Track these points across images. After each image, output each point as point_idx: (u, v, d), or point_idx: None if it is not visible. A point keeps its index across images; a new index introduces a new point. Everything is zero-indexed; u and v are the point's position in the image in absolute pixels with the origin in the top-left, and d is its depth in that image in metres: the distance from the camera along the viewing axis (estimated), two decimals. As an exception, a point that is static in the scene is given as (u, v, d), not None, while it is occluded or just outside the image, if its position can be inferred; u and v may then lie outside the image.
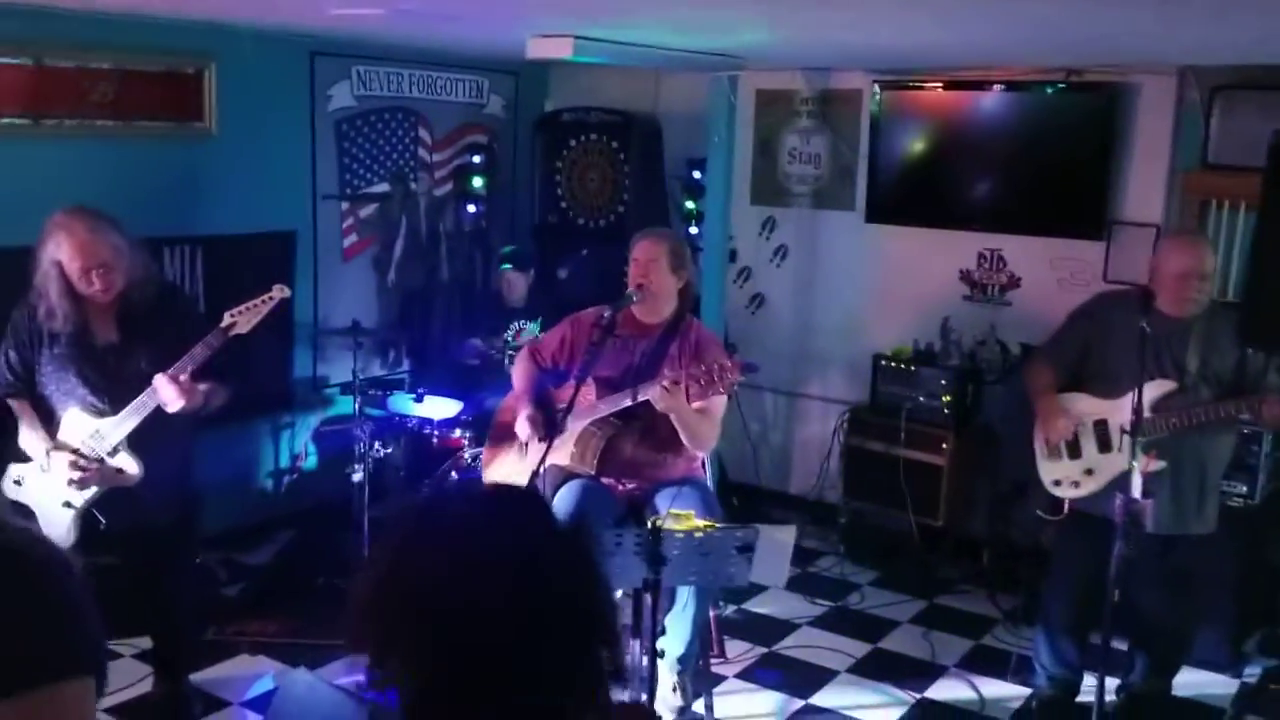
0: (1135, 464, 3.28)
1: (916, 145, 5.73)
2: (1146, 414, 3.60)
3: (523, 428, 3.75)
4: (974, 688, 4.36)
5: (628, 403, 3.62)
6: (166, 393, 3.36)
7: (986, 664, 4.54)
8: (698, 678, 3.91)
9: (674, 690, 3.66)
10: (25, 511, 3.52)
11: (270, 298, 3.53)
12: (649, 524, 3.10)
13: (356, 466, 5.17)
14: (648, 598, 3.00)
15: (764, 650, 4.63)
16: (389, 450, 5.28)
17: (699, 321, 3.93)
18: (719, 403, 3.82)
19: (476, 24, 3.98)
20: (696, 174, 5.94)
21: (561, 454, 3.69)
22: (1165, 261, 3.68)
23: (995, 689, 4.35)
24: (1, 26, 4.38)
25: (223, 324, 3.46)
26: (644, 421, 3.74)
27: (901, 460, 5.38)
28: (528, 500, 1.41)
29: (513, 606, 1.23)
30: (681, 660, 3.70)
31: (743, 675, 4.42)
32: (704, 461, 4.10)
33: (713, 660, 4.48)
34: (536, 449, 3.70)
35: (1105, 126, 5.16)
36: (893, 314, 5.93)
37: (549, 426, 3.68)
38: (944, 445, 5.31)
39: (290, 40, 5.35)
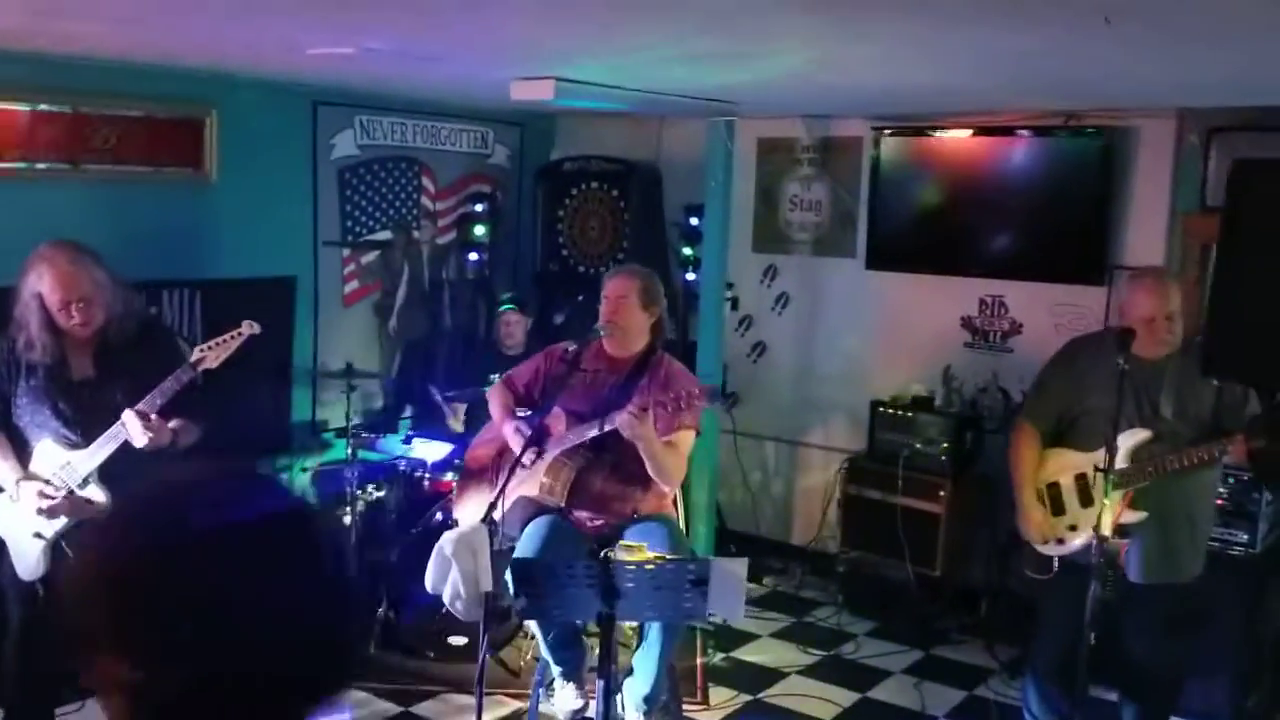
0: (1106, 501, 3.20)
1: (916, 192, 5.71)
2: (1123, 464, 3.53)
3: (514, 440, 3.72)
4: (963, 740, 4.24)
5: (595, 431, 3.59)
6: (134, 428, 3.37)
7: (978, 716, 4.42)
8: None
9: (638, 731, 3.60)
10: (-8, 542, 3.54)
11: (239, 333, 3.55)
12: (601, 556, 3.06)
13: (346, 509, 5.18)
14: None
15: (748, 698, 4.54)
16: (381, 493, 5.28)
17: (670, 356, 3.90)
18: (686, 437, 3.78)
19: (455, 65, 4.03)
20: (694, 220, 5.94)
21: (531, 485, 3.67)
22: (1132, 306, 3.61)
23: (984, 741, 4.23)
24: (3, 72, 4.50)
25: (191, 359, 3.48)
26: (614, 455, 3.71)
27: (899, 509, 5.29)
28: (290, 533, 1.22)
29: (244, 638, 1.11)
30: (648, 700, 3.63)
31: (724, 723, 4.33)
32: (675, 499, 4.05)
33: (693, 707, 4.41)
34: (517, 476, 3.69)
35: (1105, 170, 5.12)
36: (894, 361, 5.87)
37: (536, 439, 3.67)
38: (941, 493, 5.23)
39: (292, 90, 5.45)
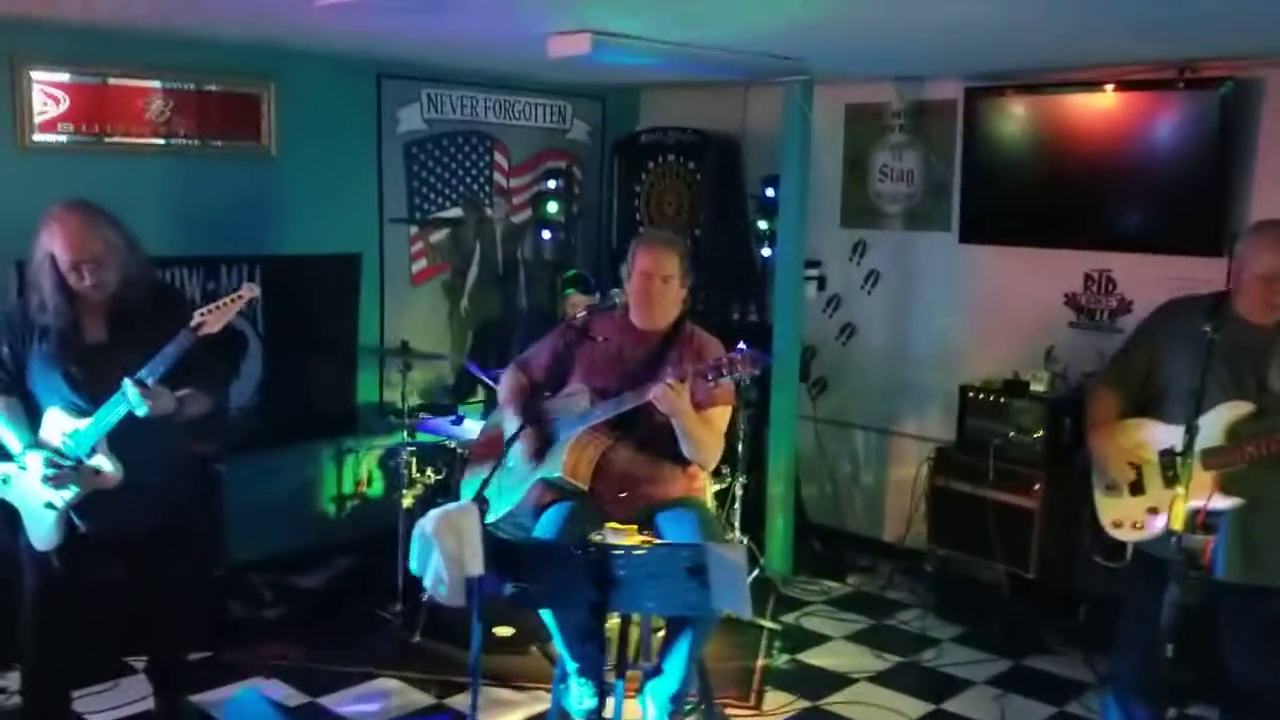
0: (1179, 490, 2.74)
1: (1013, 158, 5.22)
2: (1219, 440, 3.05)
3: (512, 422, 3.46)
4: (1042, 760, 3.79)
5: (629, 405, 3.30)
6: (133, 396, 3.24)
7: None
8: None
9: (662, 732, 3.29)
10: (11, 512, 3.46)
11: (240, 296, 3.39)
12: (589, 540, 2.77)
13: (404, 491, 5.02)
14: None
15: (807, 704, 4.17)
16: (441, 475, 5.10)
17: (698, 327, 3.58)
18: (723, 413, 3.46)
19: (479, 14, 3.78)
20: (770, 191, 5.58)
21: (554, 463, 3.39)
22: (1250, 260, 3.12)
23: (1066, 762, 3.77)
24: (63, 46, 4.49)
25: (191, 324, 3.32)
26: (642, 432, 3.41)
27: (990, 503, 4.83)
28: None
29: None
30: (674, 699, 3.31)
31: (774, 729, 3.98)
32: (705, 483, 3.72)
33: (743, 711, 4.07)
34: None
35: (1225, 128, 4.56)
36: (992, 343, 5.40)
37: (533, 419, 3.41)
38: (1036, 487, 4.74)
39: (354, 62, 5.33)
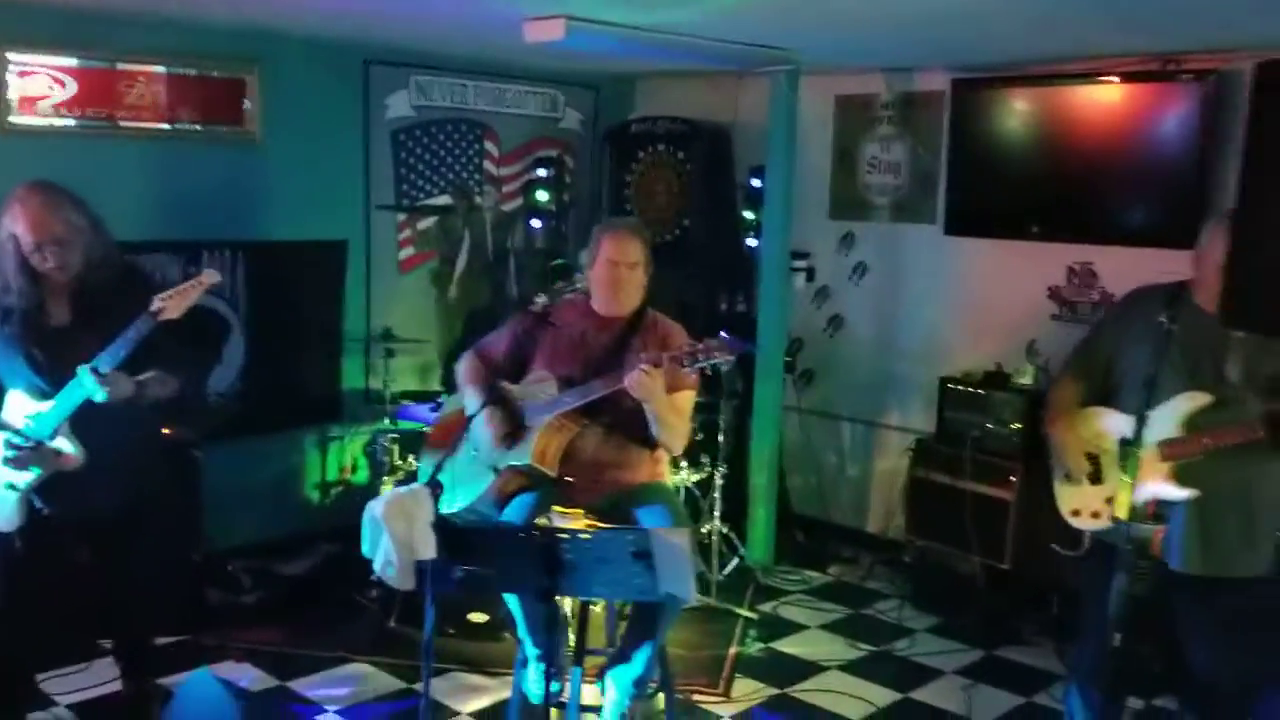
0: (1125, 478, 2.73)
1: (999, 150, 5.18)
2: (1177, 431, 3.04)
3: (482, 431, 3.47)
4: (1004, 750, 3.79)
5: (600, 392, 3.30)
6: (89, 383, 3.25)
7: (1031, 726, 3.95)
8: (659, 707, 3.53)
9: (621, 718, 3.28)
10: (-30, 492, 3.49)
11: (200, 282, 3.38)
12: (536, 524, 2.78)
13: (385, 478, 5.05)
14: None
15: (775, 692, 4.17)
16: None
17: (660, 314, 3.57)
18: (686, 397, 3.46)
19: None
20: (756, 181, 5.57)
21: (523, 450, 3.40)
22: (1211, 249, 3.09)
23: (1030, 753, 3.77)
24: (45, 28, 4.51)
25: (151, 309, 3.33)
26: (610, 418, 3.41)
27: (967, 495, 4.82)
28: None
29: None
30: (636, 684, 3.32)
31: (739, 717, 3.98)
32: (665, 464, 3.73)
33: (711, 698, 4.08)
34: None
35: (1207, 120, 4.53)
36: (977, 335, 5.39)
37: (512, 433, 3.42)
38: (1012, 479, 4.73)
39: (341, 48, 5.34)
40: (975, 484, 4.82)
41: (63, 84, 4.62)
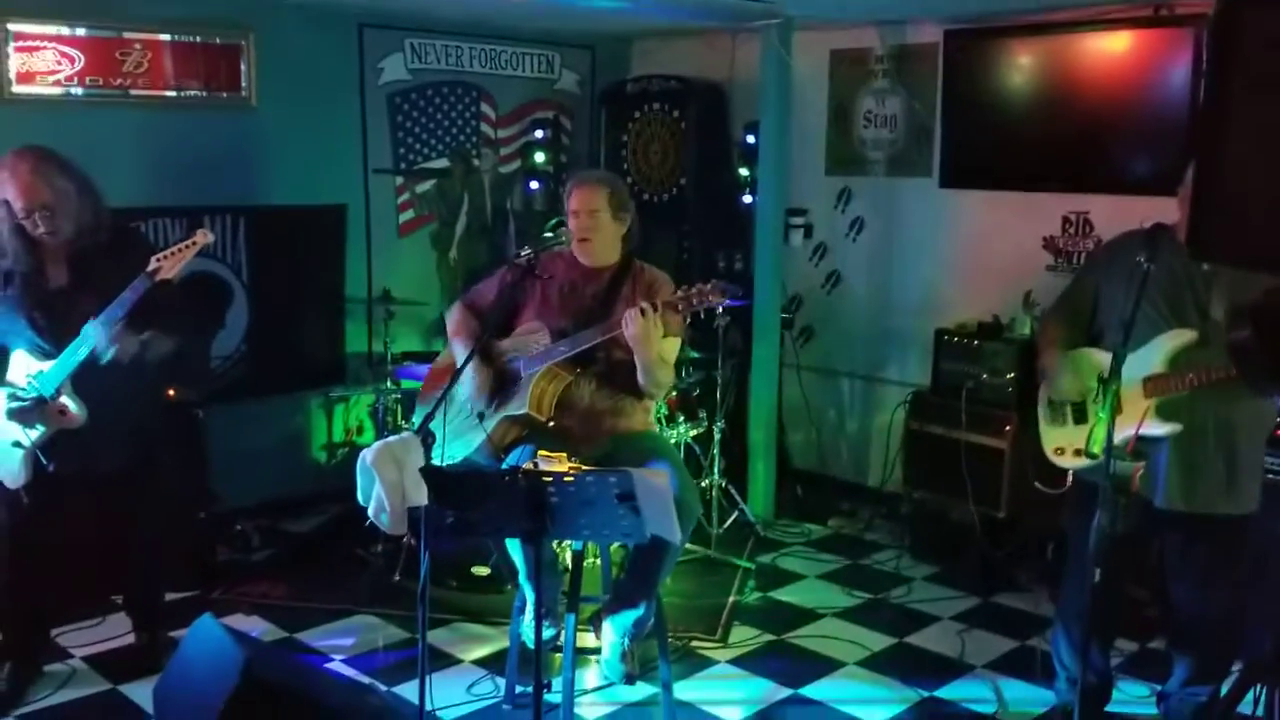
0: (1102, 415, 2.77)
1: (992, 101, 5.19)
2: (1159, 369, 3.08)
3: (467, 386, 3.52)
4: (996, 690, 3.84)
5: (594, 340, 3.36)
6: (95, 339, 3.33)
7: (1023, 667, 4.00)
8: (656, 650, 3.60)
9: (621, 658, 3.35)
10: (-21, 450, 3.57)
11: (194, 242, 3.45)
12: (524, 467, 2.83)
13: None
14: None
15: (771, 638, 4.24)
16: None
17: (647, 264, 3.62)
18: (672, 344, 3.51)
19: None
20: (751, 138, 5.58)
21: (519, 401, 3.46)
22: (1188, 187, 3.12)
23: (1021, 692, 3.82)
24: (38, -1, 4.57)
25: (149, 269, 3.40)
26: (602, 367, 3.47)
27: (962, 445, 4.86)
28: None
29: None
30: (637, 624, 3.39)
31: (736, 661, 4.05)
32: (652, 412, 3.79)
33: (708, 644, 4.16)
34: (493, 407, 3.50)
35: (1200, 66, 4.51)
36: (974, 288, 5.42)
37: (499, 390, 3.47)
38: (1007, 428, 4.76)
39: (335, 12, 5.37)
40: (970, 434, 4.85)
41: (63, 54, 4.66)
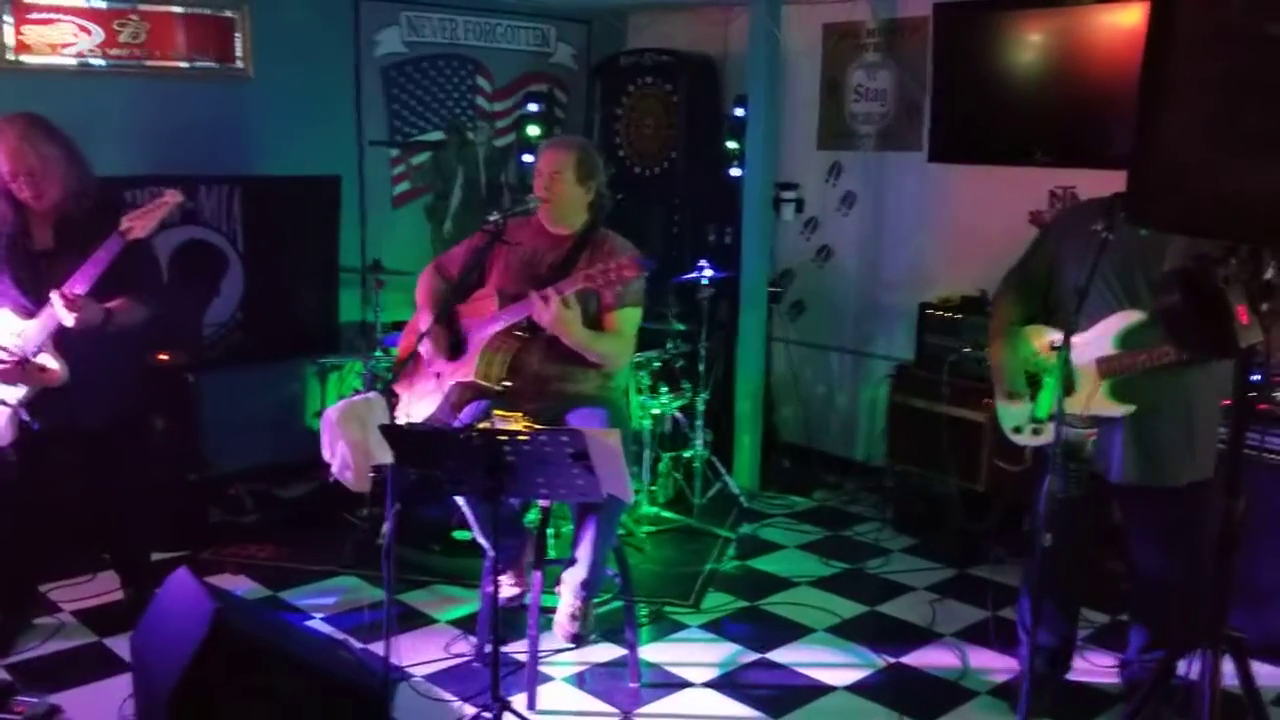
0: (1050, 381, 2.81)
1: (980, 74, 5.21)
2: (1111, 350, 3.10)
3: (425, 347, 3.58)
4: (962, 657, 3.89)
5: (519, 315, 3.41)
6: (59, 307, 3.40)
7: (992, 636, 4.04)
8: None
9: (572, 617, 3.42)
10: (-34, 409, 3.67)
11: (164, 202, 3.54)
12: (477, 426, 2.89)
13: (377, 405, 5.19)
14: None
15: (744, 604, 4.30)
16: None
17: (613, 233, 3.65)
18: (628, 315, 3.54)
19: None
20: (740, 111, 5.61)
21: (465, 369, 3.51)
22: None
23: (986, 660, 3.87)
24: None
25: (120, 228, 3.48)
26: (548, 333, 3.51)
27: (943, 418, 4.89)
28: None
29: None
30: (585, 585, 3.45)
31: (707, 626, 4.11)
32: (626, 385, 3.83)
33: (681, 609, 4.22)
34: (449, 371, 3.55)
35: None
36: (961, 262, 5.43)
37: (454, 346, 3.51)
38: (987, 401, 4.76)
39: (329, -16, 5.43)
40: (952, 408, 4.88)
41: (57, 24, 4.74)
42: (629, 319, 3.54)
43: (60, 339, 3.54)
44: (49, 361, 3.54)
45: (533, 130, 6.19)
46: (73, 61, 4.79)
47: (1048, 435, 3.22)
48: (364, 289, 5.83)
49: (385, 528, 2.97)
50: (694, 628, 4.10)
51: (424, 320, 3.55)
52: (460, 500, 3.47)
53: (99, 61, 4.85)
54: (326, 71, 5.57)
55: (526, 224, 3.65)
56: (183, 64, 5.09)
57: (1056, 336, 3.21)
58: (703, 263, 5.16)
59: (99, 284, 3.46)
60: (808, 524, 5.24)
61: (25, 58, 4.67)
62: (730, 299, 5.62)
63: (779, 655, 3.88)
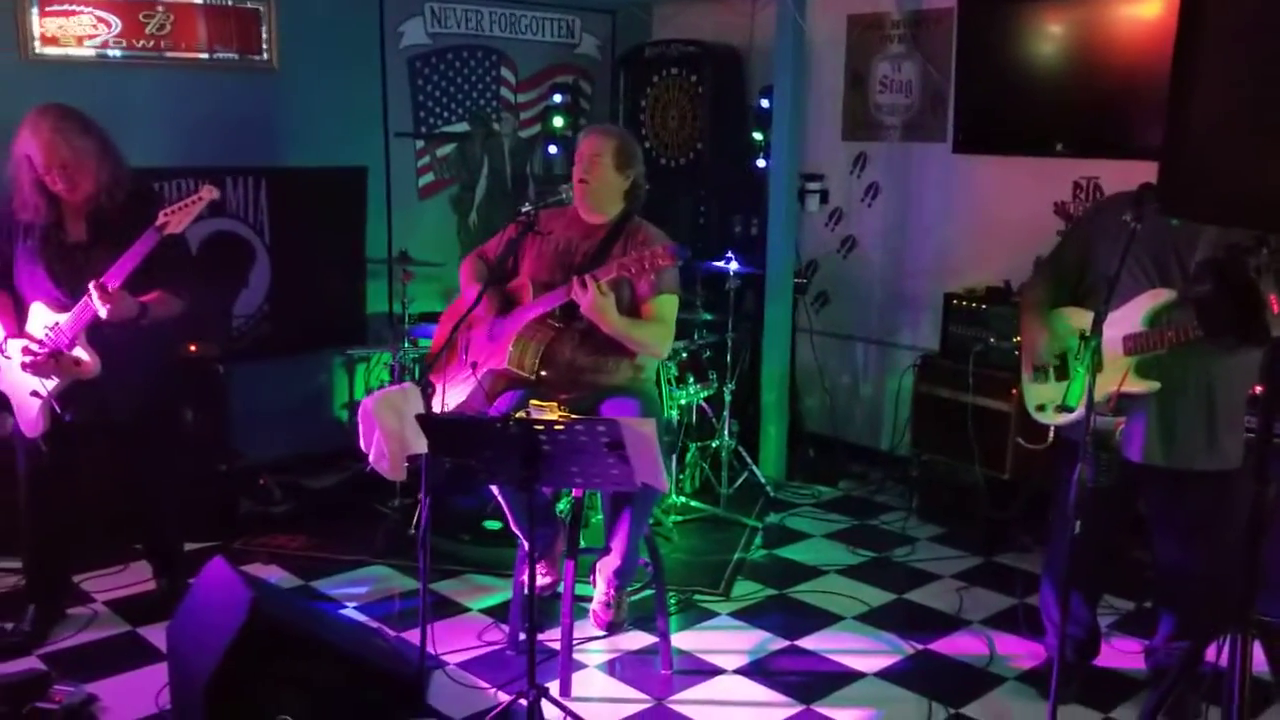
0: (1081, 370, 2.81)
1: (1005, 65, 5.19)
2: (1139, 328, 3.11)
3: (472, 293, 3.59)
4: (989, 644, 3.91)
5: (558, 301, 3.43)
6: (95, 300, 3.44)
7: (1019, 623, 4.06)
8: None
9: (607, 605, 3.45)
10: (1, 400, 3.72)
11: (200, 198, 3.56)
12: (513, 415, 2.92)
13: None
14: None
15: (773, 593, 4.33)
16: (439, 382, 5.29)
17: (646, 222, 3.67)
18: (667, 302, 3.56)
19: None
20: (766, 102, 5.62)
21: (499, 356, 3.55)
22: None
23: (1013, 646, 3.89)
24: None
25: (156, 223, 3.52)
26: (585, 322, 3.54)
27: (969, 408, 4.90)
28: None
29: None
30: (618, 574, 3.47)
31: (737, 614, 4.14)
32: (659, 372, 3.84)
33: (711, 598, 4.25)
34: (484, 358, 3.58)
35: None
36: (986, 252, 5.44)
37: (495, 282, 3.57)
38: (1013, 390, 4.77)
39: (355, -24, 5.46)
40: (977, 397, 4.89)
41: (85, 15, 4.78)
42: (667, 305, 3.56)
43: (93, 331, 3.58)
44: (82, 354, 3.58)
45: (558, 121, 6.22)
46: (98, 53, 4.82)
47: (1072, 414, 3.22)
48: (390, 280, 5.87)
49: (420, 516, 3.00)
50: (724, 615, 4.12)
51: (473, 291, 3.56)
52: (495, 490, 3.50)
53: (125, 53, 4.89)
54: (352, 63, 5.60)
55: (560, 214, 3.67)
56: (208, 56, 5.13)
57: (1085, 318, 3.21)
58: (729, 254, 5.18)
59: (132, 277, 3.49)
60: (834, 513, 5.26)
61: (51, 49, 4.71)
62: (756, 290, 5.63)
63: (808, 642, 3.90)
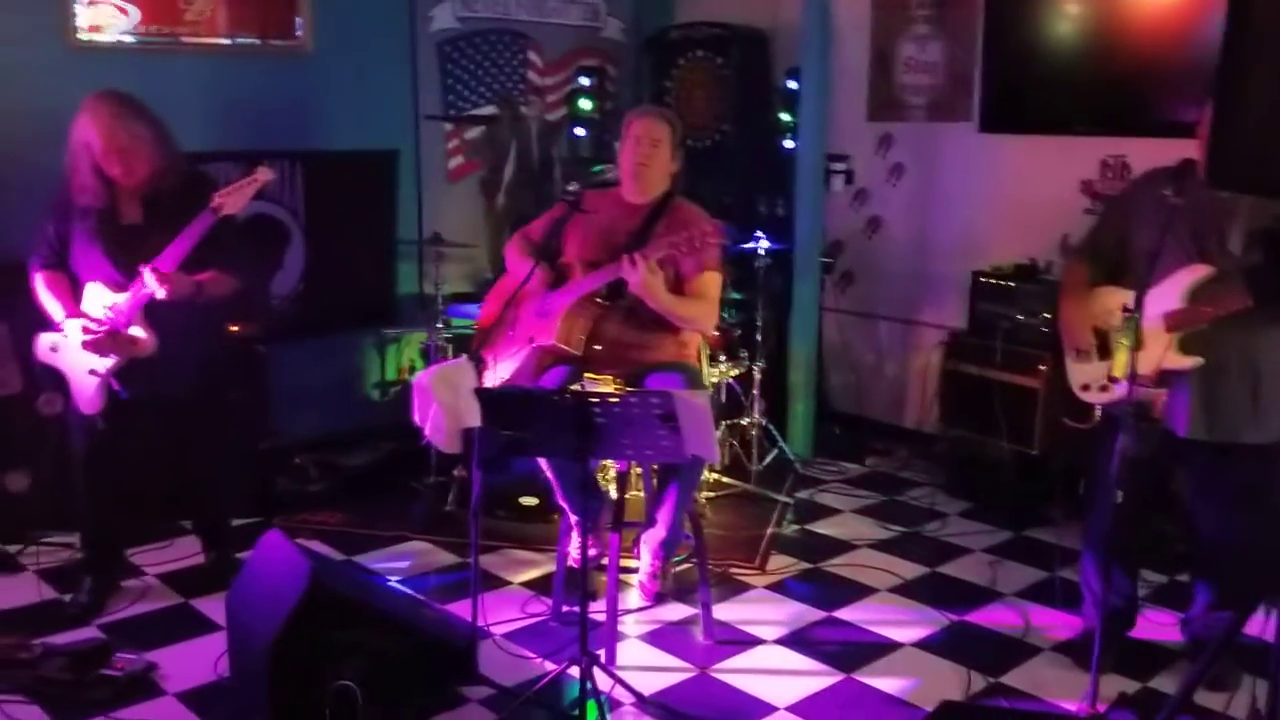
0: (1125, 342, 2.88)
1: (1032, 44, 5.25)
2: (1179, 303, 3.17)
3: (523, 267, 3.66)
4: (1024, 616, 3.99)
5: (606, 279, 3.51)
6: (150, 280, 3.52)
7: (1052, 596, 4.13)
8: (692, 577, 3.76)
9: (653, 576, 3.52)
10: (59, 377, 3.80)
11: (255, 179, 3.65)
12: (569, 389, 3.00)
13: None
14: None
15: (808, 566, 4.41)
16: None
17: (685, 201, 3.74)
18: (711, 279, 3.63)
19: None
20: (792, 83, 5.67)
21: (548, 332, 3.62)
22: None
23: (1048, 618, 3.96)
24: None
25: (211, 204, 3.60)
26: (630, 300, 3.61)
27: (996, 385, 4.97)
28: None
29: None
30: (665, 545, 3.55)
31: (773, 586, 4.22)
32: (699, 350, 3.92)
33: (747, 571, 4.33)
34: (540, 333, 3.65)
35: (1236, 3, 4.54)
36: (1011, 231, 5.48)
37: (545, 257, 3.64)
38: (1041, 367, 4.86)
39: (387, -39, 5.51)
40: (1005, 374, 4.96)
41: (127, 2, 4.85)
42: (711, 282, 3.64)
43: (148, 309, 3.66)
44: (139, 332, 3.67)
45: (584, 104, 6.27)
46: (139, 39, 4.89)
47: (1115, 391, 3.28)
48: (420, 262, 5.94)
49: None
50: (760, 588, 4.20)
51: (522, 268, 3.63)
52: (543, 464, 3.58)
53: (165, 39, 4.95)
54: (384, 46, 5.66)
55: (603, 195, 3.74)
56: (246, 40, 5.19)
57: (1124, 296, 3.27)
58: (759, 234, 5.24)
59: (188, 257, 3.57)
60: (863, 489, 5.34)
61: (95, 37, 4.78)
62: (783, 269, 5.70)
63: (845, 614, 3.98)
